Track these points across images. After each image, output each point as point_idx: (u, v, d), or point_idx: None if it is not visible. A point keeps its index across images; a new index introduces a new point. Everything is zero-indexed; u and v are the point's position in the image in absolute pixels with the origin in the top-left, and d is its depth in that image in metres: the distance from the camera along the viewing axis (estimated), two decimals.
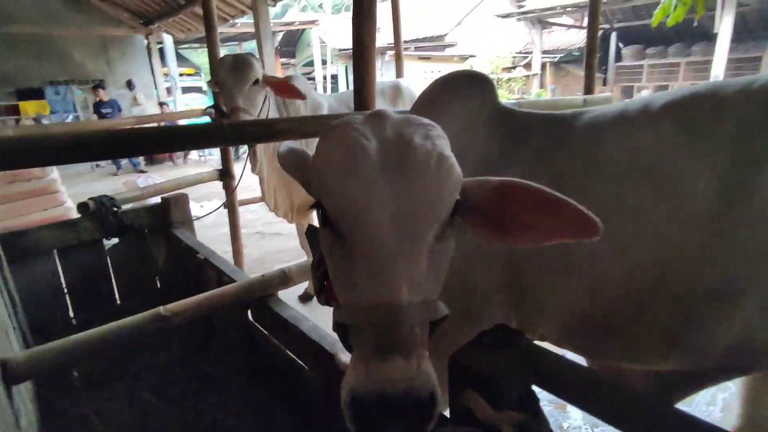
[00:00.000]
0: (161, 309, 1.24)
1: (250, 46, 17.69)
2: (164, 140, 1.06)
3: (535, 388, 0.71)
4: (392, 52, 17.66)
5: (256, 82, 2.32)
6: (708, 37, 11.72)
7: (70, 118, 9.72)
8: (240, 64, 2.31)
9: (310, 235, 0.92)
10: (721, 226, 0.94)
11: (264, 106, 2.41)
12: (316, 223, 0.79)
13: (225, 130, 1.10)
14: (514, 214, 0.69)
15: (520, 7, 18.35)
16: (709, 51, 12.44)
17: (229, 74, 2.28)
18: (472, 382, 0.67)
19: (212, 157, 11.15)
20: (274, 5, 6.70)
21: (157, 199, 2.21)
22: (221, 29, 9.92)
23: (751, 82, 1.00)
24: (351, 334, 0.61)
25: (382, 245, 0.59)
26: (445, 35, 18.85)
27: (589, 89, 2.66)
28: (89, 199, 1.96)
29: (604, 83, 15.62)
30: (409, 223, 0.60)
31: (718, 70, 11.79)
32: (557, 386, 0.69)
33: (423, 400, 0.51)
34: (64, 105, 9.62)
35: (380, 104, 2.73)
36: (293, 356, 1.37)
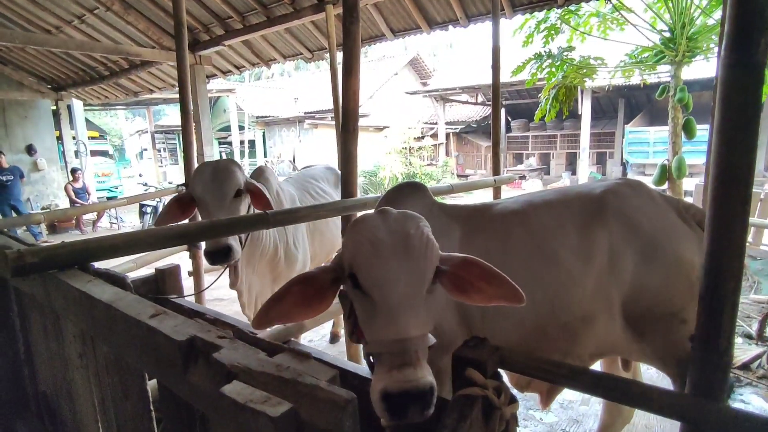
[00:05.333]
0: None
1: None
2: (217, 229, 1.42)
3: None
4: (311, 121, 18.54)
5: (238, 193, 2.09)
6: (575, 115, 14.47)
7: None
8: (219, 175, 2.06)
9: (341, 297, 1.31)
10: (580, 278, 1.57)
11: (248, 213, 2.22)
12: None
13: (268, 218, 1.49)
14: (469, 281, 1.09)
15: (425, 85, 20.78)
16: (578, 126, 15.25)
17: (207, 189, 2.03)
18: (467, 365, 1.14)
19: (123, 224, 10.60)
20: (209, 82, 7.09)
21: (150, 270, 2.38)
22: (148, 96, 9.93)
23: (579, 192, 1.71)
24: (375, 358, 0.99)
25: (394, 302, 0.98)
26: (359, 107, 20.44)
27: (496, 171, 3.48)
28: None
29: None
30: (410, 287, 1.00)
31: (584, 142, 14.48)
32: (512, 366, 1.20)
33: (426, 391, 0.90)
34: None
35: (325, 186, 3.25)
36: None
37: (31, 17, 6.88)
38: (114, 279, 1.18)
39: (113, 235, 1.33)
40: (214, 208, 2.00)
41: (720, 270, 0.91)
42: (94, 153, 14.63)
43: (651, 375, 2.90)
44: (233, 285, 2.35)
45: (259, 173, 2.68)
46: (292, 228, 2.67)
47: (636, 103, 16.33)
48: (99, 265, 1.37)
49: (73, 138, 11.16)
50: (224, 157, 19.95)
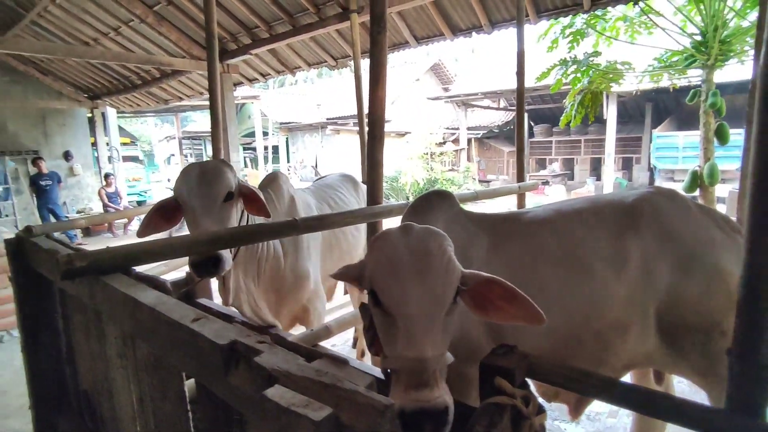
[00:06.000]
0: None
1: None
2: (252, 234, 1.48)
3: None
4: (333, 127, 18.76)
5: (229, 196, 1.87)
6: (600, 119, 14.20)
7: (0, 190, 9.22)
8: (207, 176, 1.84)
9: (362, 310, 1.30)
10: (612, 287, 1.54)
11: (242, 221, 2.02)
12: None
13: (298, 224, 1.54)
14: (491, 299, 1.10)
15: (446, 90, 20.74)
16: (602, 131, 14.94)
17: (194, 192, 1.81)
18: (495, 373, 1.15)
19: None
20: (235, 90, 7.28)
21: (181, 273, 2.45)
22: (177, 103, 10.27)
23: (611, 201, 1.69)
24: (393, 374, 1.00)
25: (413, 322, 0.99)
26: None
27: (521, 177, 3.45)
28: None
29: None
30: (429, 308, 1.01)
31: (610, 147, 14.17)
32: (541, 376, 1.20)
33: (441, 411, 0.91)
34: None
35: (345, 194, 3.18)
36: None
37: (71, 30, 7.23)
38: (155, 283, 1.23)
39: (153, 241, 1.39)
40: (201, 213, 1.78)
41: (759, 280, 0.89)
42: (125, 158, 15.24)
43: (683, 389, 2.82)
44: (226, 302, 2.09)
45: (272, 179, 2.53)
46: (304, 240, 2.41)
47: (664, 107, 15.89)
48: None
49: (107, 144, 11.61)
50: (248, 162, 20.45)
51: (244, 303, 2.22)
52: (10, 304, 4.19)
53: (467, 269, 1.14)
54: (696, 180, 4.18)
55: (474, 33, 4.98)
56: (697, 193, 4.28)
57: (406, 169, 14.62)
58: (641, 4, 4.25)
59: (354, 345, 4.00)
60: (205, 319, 0.92)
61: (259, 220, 2.17)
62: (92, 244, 9.05)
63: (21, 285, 1.78)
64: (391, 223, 1.97)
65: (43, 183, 8.88)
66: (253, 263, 2.24)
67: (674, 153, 12.92)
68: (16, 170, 9.83)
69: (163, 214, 1.89)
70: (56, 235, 2.22)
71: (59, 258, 1.18)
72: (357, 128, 4.60)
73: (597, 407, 2.82)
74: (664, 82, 5.17)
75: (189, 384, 1.21)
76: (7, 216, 9.45)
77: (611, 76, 4.55)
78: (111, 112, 11.64)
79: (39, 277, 1.77)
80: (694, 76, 4.69)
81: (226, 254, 1.74)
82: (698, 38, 4.10)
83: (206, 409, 1.08)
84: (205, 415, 1.08)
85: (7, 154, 9.63)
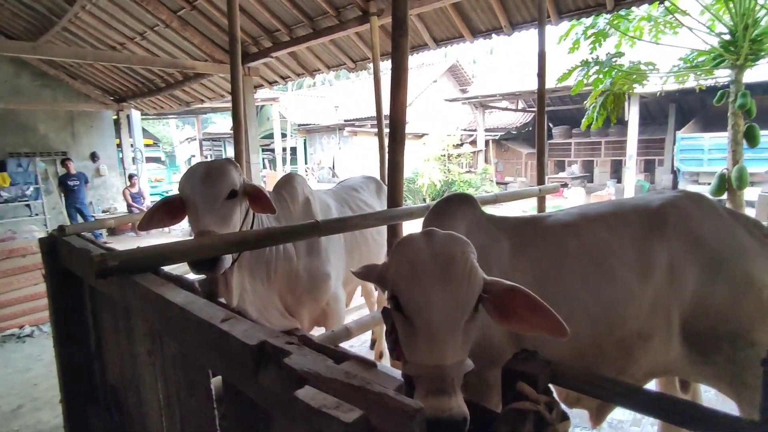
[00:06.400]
0: None
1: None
2: (276, 236, 1.51)
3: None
4: (350, 129, 18.85)
5: (233, 194, 1.89)
6: (621, 121, 13.90)
7: (30, 190, 9.55)
8: (211, 174, 1.87)
9: (384, 313, 1.32)
10: (637, 294, 1.52)
11: (246, 220, 2.03)
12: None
13: (320, 226, 1.57)
14: (513, 308, 1.08)
15: (464, 92, 20.64)
16: (623, 132, 14.63)
17: (197, 189, 1.84)
18: (517, 378, 1.14)
19: (175, 228, 11.17)
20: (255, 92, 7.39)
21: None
22: (198, 105, 10.48)
23: (636, 205, 1.66)
24: (414, 379, 0.99)
25: (433, 329, 0.99)
26: None
27: (541, 180, 3.42)
28: None
29: None
30: (450, 314, 1.00)
31: (631, 150, 13.86)
32: (565, 382, 1.18)
33: (459, 421, 0.91)
34: (25, 177, 9.48)
35: (367, 196, 3.17)
36: None
37: (99, 35, 7.46)
38: (183, 283, 1.26)
39: (182, 242, 1.43)
40: (203, 210, 1.80)
41: None
42: (148, 159, 15.60)
43: (709, 398, 2.74)
44: (229, 304, 2.03)
45: (286, 180, 2.52)
46: (322, 243, 2.39)
47: (688, 108, 15.48)
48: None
49: (131, 146, 11.92)
50: (267, 163, 20.71)
51: (249, 305, 2.20)
52: (39, 300, 4.35)
53: (489, 275, 1.13)
54: (723, 183, 4.06)
55: (494, 34, 4.95)
56: (724, 196, 4.16)
57: (423, 170, 14.59)
58: (666, 3, 4.15)
59: (372, 346, 4.02)
60: (234, 319, 0.95)
61: (269, 219, 2.19)
62: (117, 243, 9.28)
63: (54, 282, 1.84)
64: (411, 225, 1.97)
65: (71, 183, 9.18)
66: (260, 264, 2.22)
67: (700, 155, 12.58)
68: (45, 171, 10.18)
69: (168, 210, 1.94)
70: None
71: (93, 257, 1.23)
72: (374, 130, 4.61)
73: (619, 415, 2.77)
74: (690, 83, 5.04)
75: (215, 381, 1.24)
76: (37, 215, 9.78)
77: (634, 77, 4.45)
78: (135, 115, 11.94)
79: (70, 275, 1.83)
80: (722, 76, 4.56)
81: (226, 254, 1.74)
82: (727, 37, 3.98)
83: (232, 407, 1.10)
84: (230, 414, 1.11)
85: (37, 155, 9.98)
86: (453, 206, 1.64)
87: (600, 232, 1.60)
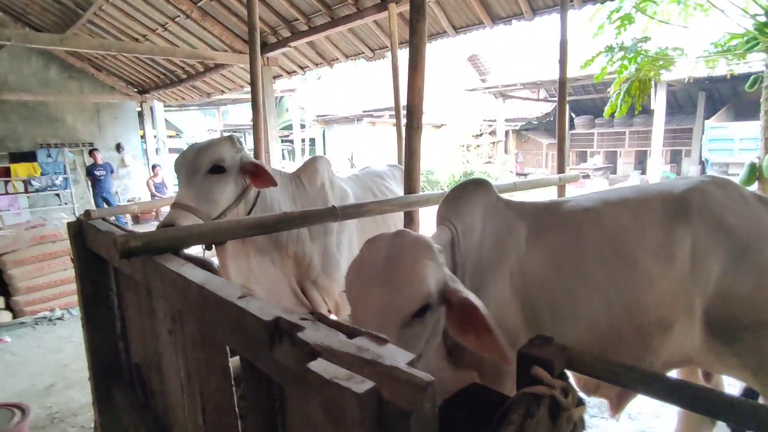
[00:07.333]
0: None
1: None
2: (293, 220, 1.53)
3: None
4: (369, 119, 18.81)
5: (219, 170, 1.82)
6: (647, 110, 13.48)
7: (59, 180, 9.88)
8: (194, 148, 1.83)
9: None
10: (658, 280, 1.48)
11: (245, 199, 1.96)
12: None
13: (336, 211, 1.59)
14: (470, 323, 1.09)
15: (484, 81, 20.32)
16: (649, 122, 14.19)
17: (181, 162, 1.83)
18: (532, 363, 1.13)
19: None
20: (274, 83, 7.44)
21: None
22: (219, 96, 10.62)
23: (660, 190, 1.61)
24: None
25: (364, 325, 0.96)
26: None
27: (561, 169, 3.35)
28: None
29: None
30: (379, 316, 1.01)
31: (657, 139, 13.44)
32: (581, 368, 1.17)
33: None
34: (55, 167, 9.81)
35: (391, 183, 3.13)
36: None
37: (122, 27, 7.61)
38: (202, 263, 1.29)
39: (201, 225, 1.46)
40: (181, 183, 1.77)
41: None
42: (171, 150, 15.90)
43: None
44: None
45: (310, 163, 2.48)
46: (334, 228, 2.36)
47: (719, 96, 14.88)
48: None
49: (154, 136, 12.18)
50: (286, 154, 20.88)
51: (255, 284, 2.14)
52: (68, 285, 4.52)
53: (506, 261, 1.12)
54: (754, 172, 3.90)
55: (514, 20, 4.84)
56: (755, 186, 4.00)
57: (442, 161, 14.49)
58: None
59: None
60: (250, 297, 0.96)
61: (283, 199, 2.18)
62: (141, 230, 9.55)
63: (81, 264, 1.91)
64: (428, 212, 1.97)
65: (97, 173, 9.45)
66: (269, 243, 2.18)
67: (729, 145, 12.12)
68: (74, 161, 10.51)
69: None
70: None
71: (117, 238, 1.27)
72: (393, 120, 4.58)
73: (639, 406, 2.72)
74: (721, 69, 4.83)
75: (233, 362, 1.27)
76: (66, 204, 10.13)
77: (661, 62, 4.30)
78: (158, 106, 12.19)
79: (96, 258, 1.90)
80: (756, 60, 4.36)
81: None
82: (762, 19, 3.80)
83: (249, 384, 1.13)
84: (249, 388, 1.14)
85: (66, 146, 10.30)
86: (469, 192, 1.62)
87: (621, 217, 1.56)
